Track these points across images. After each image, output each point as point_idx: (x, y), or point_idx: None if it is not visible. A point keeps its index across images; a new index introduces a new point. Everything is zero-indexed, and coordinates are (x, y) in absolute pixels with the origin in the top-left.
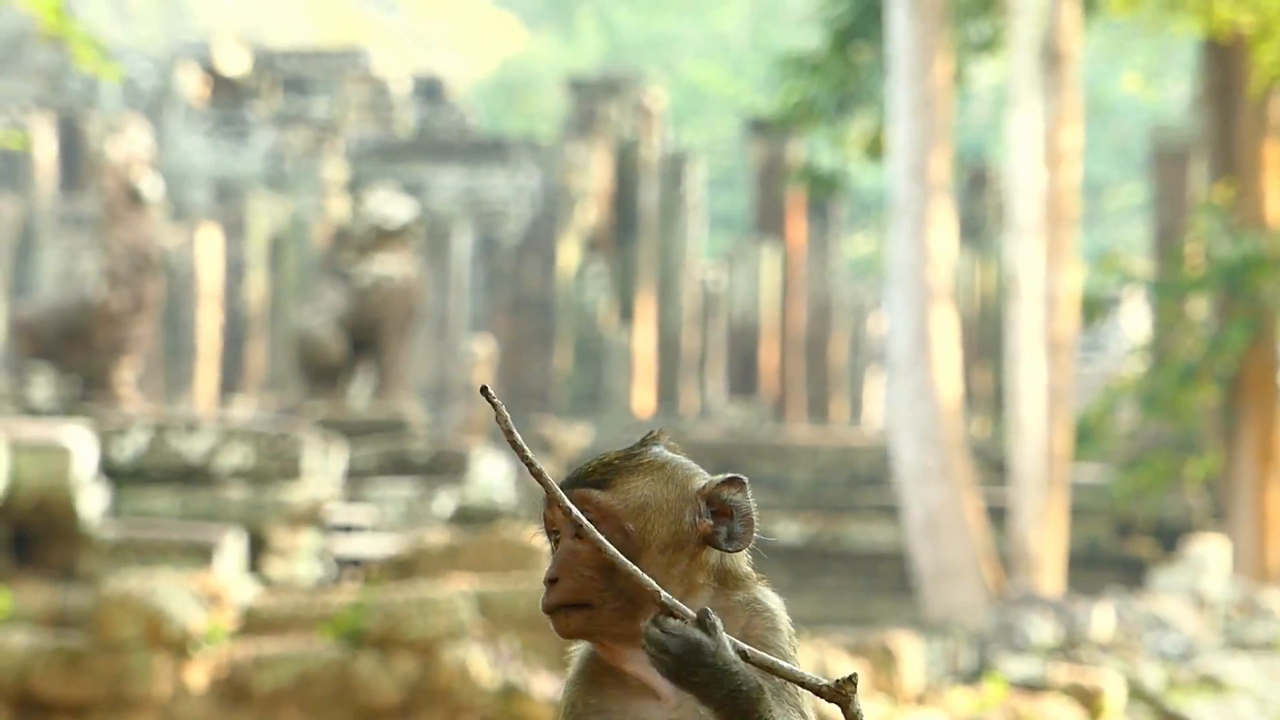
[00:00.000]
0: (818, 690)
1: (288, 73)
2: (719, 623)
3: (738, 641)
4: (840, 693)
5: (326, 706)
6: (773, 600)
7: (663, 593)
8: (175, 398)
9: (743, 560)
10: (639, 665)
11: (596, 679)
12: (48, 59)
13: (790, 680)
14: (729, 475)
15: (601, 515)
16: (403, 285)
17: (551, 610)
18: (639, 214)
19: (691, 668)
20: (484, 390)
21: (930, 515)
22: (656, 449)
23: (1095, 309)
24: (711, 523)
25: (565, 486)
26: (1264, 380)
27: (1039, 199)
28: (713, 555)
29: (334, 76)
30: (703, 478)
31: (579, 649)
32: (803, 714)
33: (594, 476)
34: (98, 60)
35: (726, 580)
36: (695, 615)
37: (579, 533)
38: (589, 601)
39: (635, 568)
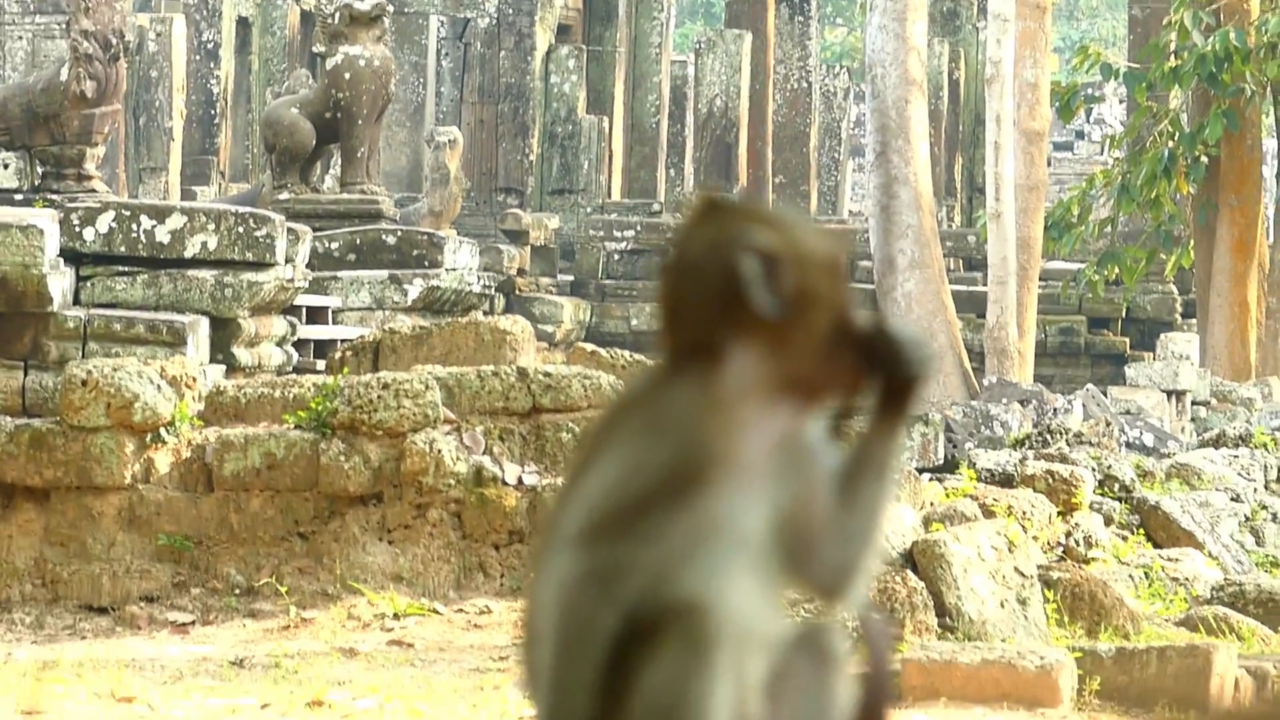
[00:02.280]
0: None
1: None
2: None
3: None
4: None
5: (293, 492)
6: None
7: None
8: (143, 183)
9: None
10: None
11: (745, 430)
12: None
13: None
14: None
15: None
16: (373, 69)
17: None
18: (612, 1)
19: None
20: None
21: (904, 305)
22: None
23: (1071, 101)
24: None
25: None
26: (1243, 173)
27: None
28: None
29: None
30: None
31: (731, 402)
32: None
33: None
34: None
35: None
36: None
37: None
38: None
39: None
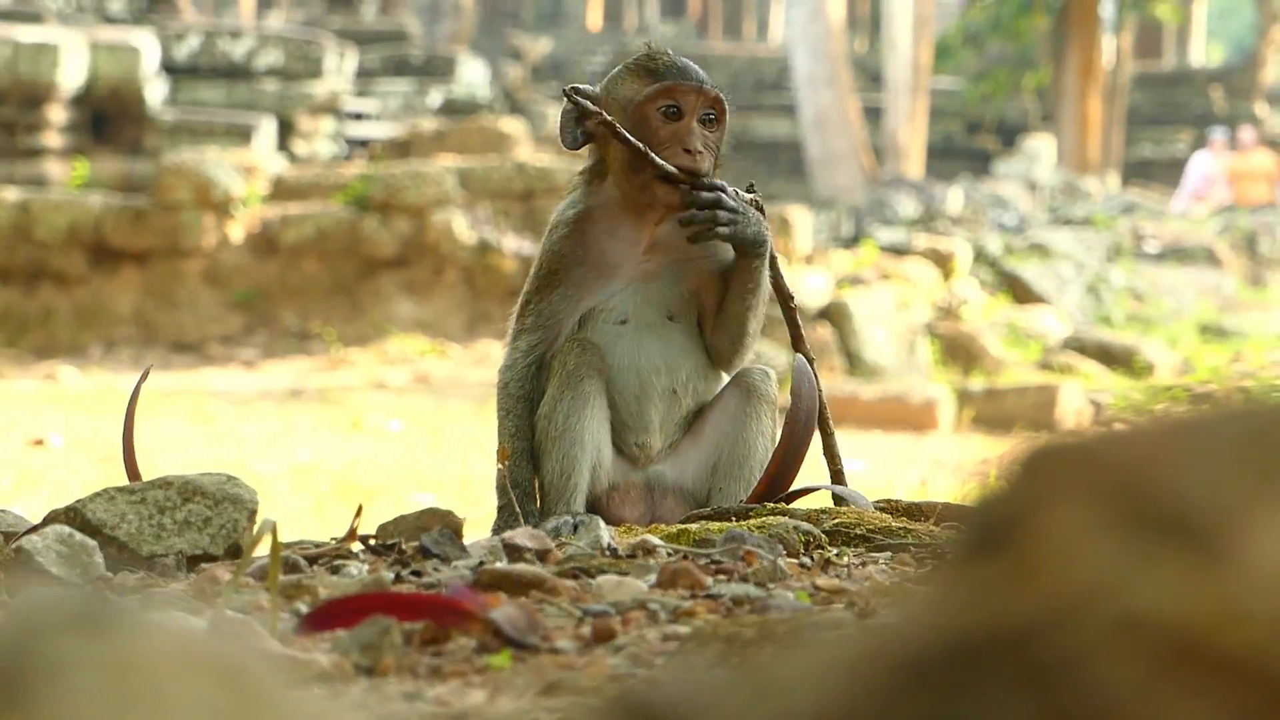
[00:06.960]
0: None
1: None
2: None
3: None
4: (756, 202)
5: (338, 257)
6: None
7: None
8: (222, 10)
9: None
10: (664, 225)
11: (584, 233)
12: None
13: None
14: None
15: (722, 114)
16: None
17: (699, 174)
18: None
19: (732, 213)
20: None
21: (819, 113)
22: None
23: None
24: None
25: (707, 83)
26: (1086, 11)
27: None
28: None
29: None
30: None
31: (573, 210)
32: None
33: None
34: None
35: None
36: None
37: (713, 122)
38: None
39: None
